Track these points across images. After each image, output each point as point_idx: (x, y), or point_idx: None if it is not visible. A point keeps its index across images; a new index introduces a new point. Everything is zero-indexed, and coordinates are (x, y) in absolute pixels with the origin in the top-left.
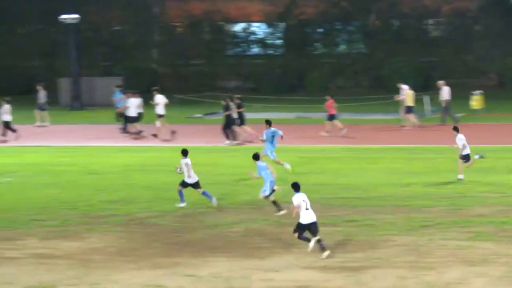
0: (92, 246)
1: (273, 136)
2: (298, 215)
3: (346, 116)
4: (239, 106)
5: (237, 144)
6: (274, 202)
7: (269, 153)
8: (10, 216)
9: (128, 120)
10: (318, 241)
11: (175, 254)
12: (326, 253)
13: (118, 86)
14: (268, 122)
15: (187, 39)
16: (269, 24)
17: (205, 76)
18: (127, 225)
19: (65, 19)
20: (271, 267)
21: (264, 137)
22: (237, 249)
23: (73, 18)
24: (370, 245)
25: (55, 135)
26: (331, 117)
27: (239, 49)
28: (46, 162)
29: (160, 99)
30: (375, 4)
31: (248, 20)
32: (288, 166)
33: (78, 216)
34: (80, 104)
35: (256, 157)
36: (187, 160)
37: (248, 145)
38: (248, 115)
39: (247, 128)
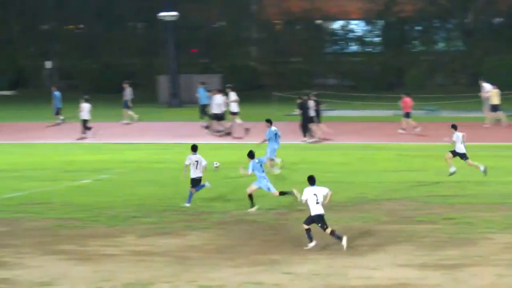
0: (189, 243)
1: (275, 135)
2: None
3: (445, 113)
4: (316, 104)
5: (314, 142)
6: (251, 196)
7: (268, 151)
8: (109, 213)
9: (213, 117)
10: (308, 230)
11: (272, 251)
12: (310, 244)
13: (202, 83)
14: (269, 121)
15: (286, 37)
16: (368, 22)
17: (304, 73)
18: (225, 222)
19: (164, 16)
20: (369, 264)
21: (267, 137)
22: (336, 246)
23: (172, 16)
24: (468, 242)
25: (153, 132)
26: (407, 115)
27: (337, 47)
28: (144, 159)
29: (234, 97)
30: (473, 2)
31: (347, 17)
32: (277, 170)
33: (176, 213)
34: (178, 101)
35: (251, 155)
36: (197, 156)
37: (326, 143)
38: (347, 113)
39: (323, 126)
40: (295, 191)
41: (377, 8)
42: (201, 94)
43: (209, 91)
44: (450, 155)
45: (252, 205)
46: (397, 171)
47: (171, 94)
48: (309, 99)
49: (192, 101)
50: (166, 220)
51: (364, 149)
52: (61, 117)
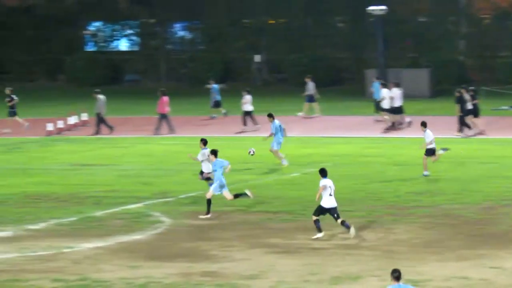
0: (397, 237)
1: (280, 128)
2: (320, 198)
3: None
4: (473, 98)
5: (469, 136)
6: (209, 202)
7: (274, 144)
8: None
9: (391, 111)
10: (342, 222)
11: (479, 246)
12: (352, 230)
13: (377, 78)
14: (271, 116)
15: (494, 31)
16: None
17: None
18: (432, 216)
19: (373, 10)
20: None
21: (273, 131)
22: None
23: (381, 10)
24: None
25: (360, 126)
26: None
27: None
28: (352, 153)
29: (386, 93)
30: None
31: None
32: (285, 163)
33: (384, 207)
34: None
35: (214, 152)
36: (206, 150)
37: (481, 137)
38: None
39: (480, 120)
40: (248, 192)
41: None
42: (375, 88)
43: (382, 84)
44: (434, 156)
45: (208, 212)
46: None
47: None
48: (466, 92)
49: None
50: (375, 214)
51: None
52: (223, 111)
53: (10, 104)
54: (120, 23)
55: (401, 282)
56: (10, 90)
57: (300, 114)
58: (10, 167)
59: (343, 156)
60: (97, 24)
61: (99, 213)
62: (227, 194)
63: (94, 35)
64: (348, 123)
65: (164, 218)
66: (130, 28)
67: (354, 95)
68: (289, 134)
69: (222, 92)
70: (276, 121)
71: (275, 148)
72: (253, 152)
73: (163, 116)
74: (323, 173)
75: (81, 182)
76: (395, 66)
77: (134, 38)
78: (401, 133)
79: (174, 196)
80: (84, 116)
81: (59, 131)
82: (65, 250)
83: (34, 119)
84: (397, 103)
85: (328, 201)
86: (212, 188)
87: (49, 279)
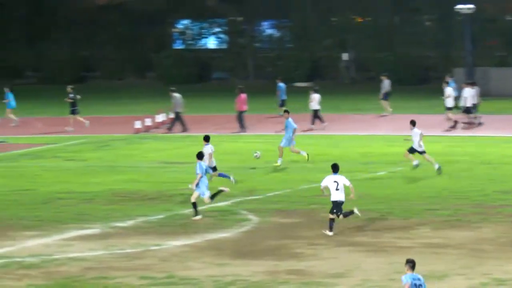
0: (483, 236)
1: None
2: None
3: None
4: None
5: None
6: (195, 205)
7: (284, 140)
8: (403, 205)
9: (464, 110)
10: (345, 215)
11: None
12: (328, 232)
13: (451, 76)
14: (287, 112)
15: None
16: None
17: None
18: None
19: (461, 9)
20: None
21: (288, 127)
22: None
23: (469, 9)
24: None
25: (445, 125)
26: None
27: None
28: (437, 152)
29: (450, 92)
30: None
31: None
32: (279, 162)
33: (470, 206)
34: None
35: (200, 156)
36: (209, 147)
37: None
38: None
39: None
40: (225, 189)
41: None
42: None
43: (445, 82)
44: (407, 153)
45: (196, 214)
46: None
47: None
48: None
49: (488, 94)
50: (461, 212)
51: None
52: (281, 113)
53: (70, 101)
54: (208, 21)
55: (414, 272)
56: (71, 88)
57: (385, 113)
58: (99, 164)
59: (428, 154)
60: (185, 22)
61: (186, 211)
62: (206, 197)
63: (182, 33)
64: (434, 122)
65: (251, 216)
66: (218, 26)
67: (441, 94)
68: (375, 132)
69: (307, 90)
70: (290, 119)
71: (281, 144)
72: (259, 155)
73: (241, 114)
74: (334, 168)
75: (168, 180)
76: (483, 65)
77: (222, 36)
78: (486, 131)
79: (261, 194)
80: (172, 114)
81: (147, 128)
82: (152, 248)
83: (123, 116)
84: (469, 102)
85: (335, 196)
86: (206, 194)
87: (136, 277)
